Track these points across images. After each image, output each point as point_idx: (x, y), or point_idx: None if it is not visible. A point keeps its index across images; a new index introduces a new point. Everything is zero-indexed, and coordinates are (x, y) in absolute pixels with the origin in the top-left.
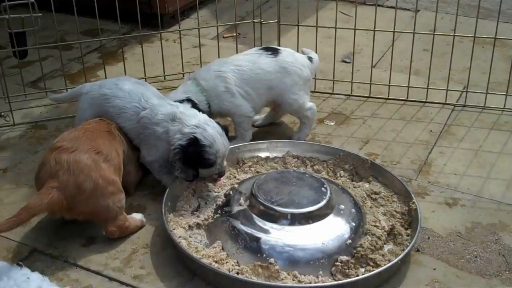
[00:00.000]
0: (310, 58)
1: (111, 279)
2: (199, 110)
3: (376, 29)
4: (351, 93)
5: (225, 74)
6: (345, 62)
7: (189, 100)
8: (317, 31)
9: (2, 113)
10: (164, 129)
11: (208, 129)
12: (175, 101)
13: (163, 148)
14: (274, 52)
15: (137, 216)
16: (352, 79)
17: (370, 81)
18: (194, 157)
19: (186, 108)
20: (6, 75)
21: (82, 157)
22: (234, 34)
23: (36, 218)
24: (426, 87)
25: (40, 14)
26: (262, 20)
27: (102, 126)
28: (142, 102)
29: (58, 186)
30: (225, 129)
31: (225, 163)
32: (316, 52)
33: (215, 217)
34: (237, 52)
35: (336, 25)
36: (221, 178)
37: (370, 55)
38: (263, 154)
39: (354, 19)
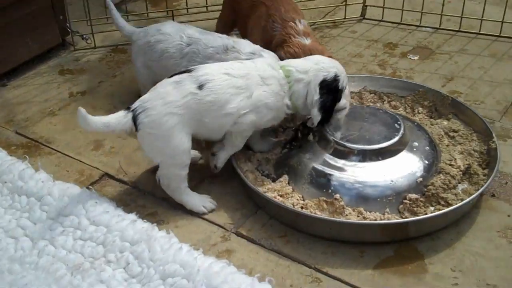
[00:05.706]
0: None
1: (176, 207)
2: None
3: None
4: (440, 26)
5: None
6: None
7: None
8: None
9: (84, 35)
10: (218, 61)
11: (264, 54)
12: None
13: None
14: None
15: None
16: (442, 11)
17: (462, 14)
18: None
19: (237, 38)
20: None
21: None
22: None
23: (109, 142)
24: None
25: None
26: None
27: None
28: (184, 39)
29: None
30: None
31: None
32: None
33: (283, 152)
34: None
35: None
36: None
37: None
38: None
39: None
